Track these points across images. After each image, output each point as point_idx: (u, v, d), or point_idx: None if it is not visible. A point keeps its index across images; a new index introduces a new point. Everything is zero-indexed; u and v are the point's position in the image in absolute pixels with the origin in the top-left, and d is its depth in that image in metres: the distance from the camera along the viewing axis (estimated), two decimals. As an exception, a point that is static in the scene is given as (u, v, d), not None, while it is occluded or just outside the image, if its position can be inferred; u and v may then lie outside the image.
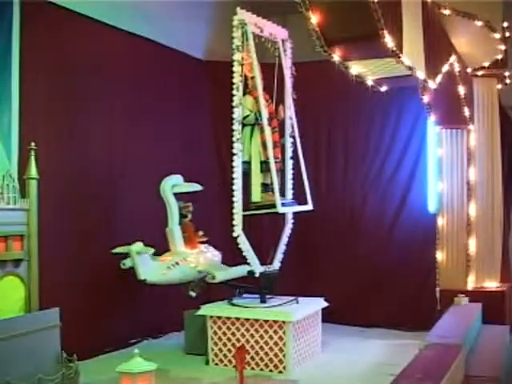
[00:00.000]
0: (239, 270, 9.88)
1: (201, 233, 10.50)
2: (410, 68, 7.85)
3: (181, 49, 12.17)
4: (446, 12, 9.38)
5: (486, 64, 11.12)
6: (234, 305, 9.55)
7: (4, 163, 7.54)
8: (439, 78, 9.21)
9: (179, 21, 11.46)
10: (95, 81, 10.17)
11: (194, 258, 10.07)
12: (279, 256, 10.12)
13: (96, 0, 9.72)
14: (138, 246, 9.43)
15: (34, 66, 8.90)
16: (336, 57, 7.66)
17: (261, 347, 9.10)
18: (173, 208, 10.22)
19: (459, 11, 9.53)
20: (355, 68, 8.22)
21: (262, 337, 9.10)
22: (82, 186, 9.96)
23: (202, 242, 10.48)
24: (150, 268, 9.54)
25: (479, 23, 9.68)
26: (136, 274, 9.42)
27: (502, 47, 10.50)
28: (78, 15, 9.76)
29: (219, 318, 9.39)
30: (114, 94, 10.54)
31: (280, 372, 8.99)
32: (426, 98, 10.03)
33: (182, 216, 10.39)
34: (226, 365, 9.32)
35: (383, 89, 9.24)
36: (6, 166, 7.53)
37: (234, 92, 9.38)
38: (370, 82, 8.80)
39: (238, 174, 9.39)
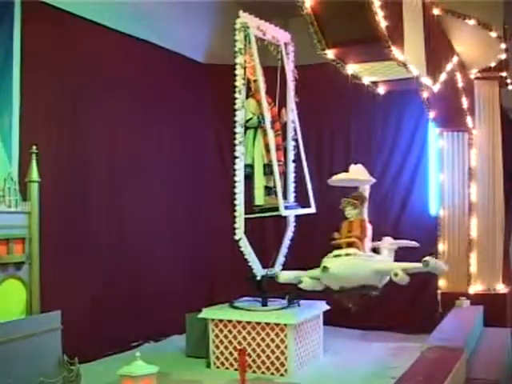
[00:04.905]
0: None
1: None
2: (411, 71, 7.85)
3: (181, 52, 12.18)
4: (447, 15, 9.38)
5: (488, 66, 11.12)
6: (235, 307, 9.54)
7: (5, 166, 7.55)
8: (440, 81, 9.21)
9: (179, 24, 11.48)
10: (96, 83, 10.18)
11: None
12: (281, 259, 10.12)
13: (97, 3, 9.73)
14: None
15: (35, 68, 8.92)
16: (337, 59, 7.66)
17: (262, 350, 9.10)
18: None
19: (459, 14, 9.53)
20: (355, 70, 8.22)
21: (263, 340, 9.10)
22: (83, 188, 9.98)
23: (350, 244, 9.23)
24: None
25: (479, 26, 9.68)
26: None
27: (504, 49, 10.49)
28: (78, 18, 9.78)
29: (221, 320, 9.39)
30: (114, 97, 10.54)
31: (281, 375, 8.99)
32: (427, 101, 10.03)
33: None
34: (227, 368, 9.32)
35: (380, 90, 9.24)
36: (7, 168, 7.54)
37: (237, 95, 9.39)
38: (366, 82, 8.79)
39: (240, 177, 9.40)
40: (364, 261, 8.83)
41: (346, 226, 9.26)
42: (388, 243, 9.65)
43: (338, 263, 8.58)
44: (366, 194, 9.63)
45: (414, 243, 9.66)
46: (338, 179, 9.29)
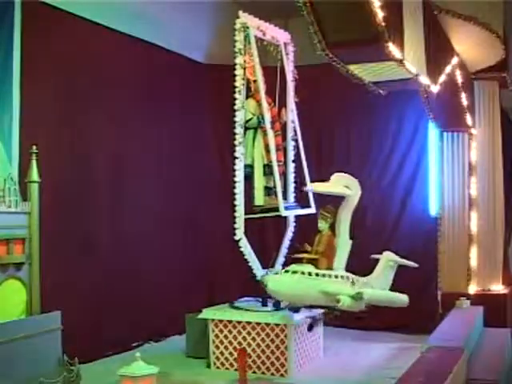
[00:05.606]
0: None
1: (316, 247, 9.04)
2: (411, 71, 7.85)
3: (181, 52, 12.17)
4: (447, 15, 9.38)
5: (488, 66, 11.11)
6: (235, 308, 9.53)
7: (5, 166, 7.55)
8: (440, 81, 9.21)
9: (179, 24, 11.46)
10: (96, 83, 10.17)
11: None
12: (281, 259, 10.11)
13: (97, 3, 9.72)
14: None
15: (35, 68, 8.91)
16: (337, 60, 7.66)
17: (262, 350, 9.10)
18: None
19: (460, 14, 9.53)
20: (355, 70, 8.22)
21: (263, 340, 9.10)
22: (83, 188, 9.96)
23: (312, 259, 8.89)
24: None
25: (479, 26, 9.68)
26: None
27: (504, 49, 10.48)
28: (78, 18, 9.77)
29: (221, 321, 9.38)
30: (114, 97, 10.53)
31: (281, 375, 8.99)
32: (427, 101, 10.02)
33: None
34: (227, 368, 9.32)
35: (382, 91, 9.23)
36: (7, 169, 7.54)
37: (237, 95, 9.38)
38: (366, 82, 8.78)
39: (239, 178, 9.40)
40: (311, 280, 8.47)
41: (316, 240, 9.14)
42: (387, 259, 9.43)
43: (279, 280, 8.47)
44: (353, 202, 9.05)
45: (413, 264, 9.47)
46: (314, 189, 9.13)
